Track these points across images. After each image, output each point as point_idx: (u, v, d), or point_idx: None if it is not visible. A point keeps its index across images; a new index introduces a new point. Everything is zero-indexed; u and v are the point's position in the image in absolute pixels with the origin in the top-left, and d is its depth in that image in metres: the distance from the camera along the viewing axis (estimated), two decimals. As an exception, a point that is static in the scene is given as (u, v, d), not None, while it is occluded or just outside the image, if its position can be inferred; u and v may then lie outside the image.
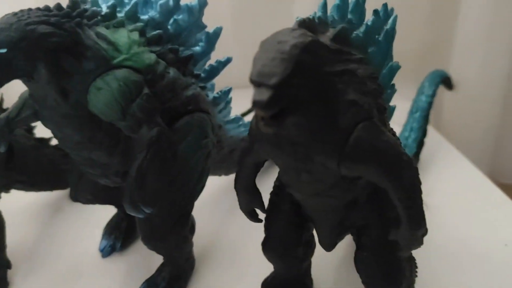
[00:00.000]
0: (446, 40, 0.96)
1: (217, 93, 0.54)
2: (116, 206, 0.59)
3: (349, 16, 0.36)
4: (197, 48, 0.49)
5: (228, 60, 0.53)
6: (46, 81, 0.38)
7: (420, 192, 0.35)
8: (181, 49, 0.47)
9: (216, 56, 0.53)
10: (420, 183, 0.35)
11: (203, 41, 0.49)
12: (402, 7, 0.92)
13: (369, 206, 0.39)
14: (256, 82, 0.27)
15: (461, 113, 0.95)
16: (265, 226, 0.44)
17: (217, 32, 0.50)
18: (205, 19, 0.49)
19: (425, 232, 0.36)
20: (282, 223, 0.43)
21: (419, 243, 0.36)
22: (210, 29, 0.50)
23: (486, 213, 0.62)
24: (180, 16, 0.46)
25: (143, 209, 0.41)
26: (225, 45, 0.59)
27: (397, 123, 0.75)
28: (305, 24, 0.33)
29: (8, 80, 0.38)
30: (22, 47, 0.36)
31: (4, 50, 0.36)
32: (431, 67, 0.89)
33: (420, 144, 0.72)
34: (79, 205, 0.56)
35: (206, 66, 0.52)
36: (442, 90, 0.94)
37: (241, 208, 0.43)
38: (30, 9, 0.38)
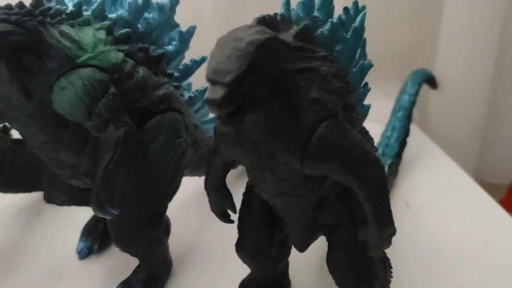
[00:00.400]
0: (431, 40, 0.96)
1: (193, 92, 0.53)
2: (92, 207, 0.58)
3: (316, 13, 0.36)
4: (170, 47, 0.48)
5: (203, 59, 0.52)
6: (8, 80, 0.37)
7: (387, 191, 0.34)
8: (152, 48, 0.46)
9: (201, 55, 0.52)
10: (387, 182, 0.34)
11: (177, 40, 0.49)
12: (387, 6, 0.92)
13: (339, 205, 0.38)
14: (211, 79, 0.27)
15: (446, 113, 0.95)
16: (238, 226, 0.44)
17: (191, 31, 0.50)
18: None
19: (393, 232, 0.35)
20: (254, 223, 0.42)
21: (387, 243, 0.36)
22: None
23: (468, 213, 0.61)
24: (151, 15, 0.46)
25: (110, 210, 0.41)
26: (210, 44, 0.58)
27: (381, 122, 0.74)
28: (265, 21, 0.32)
29: None
30: None
31: None
32: (416, 66, 0.89)
33: (402, 144, 0.71)
34: (57, 207, 0.55)
35: (181, 65, 0.51)
36: (428, 90, 0.94)
37: (212, 209, 0.42)
38: None
